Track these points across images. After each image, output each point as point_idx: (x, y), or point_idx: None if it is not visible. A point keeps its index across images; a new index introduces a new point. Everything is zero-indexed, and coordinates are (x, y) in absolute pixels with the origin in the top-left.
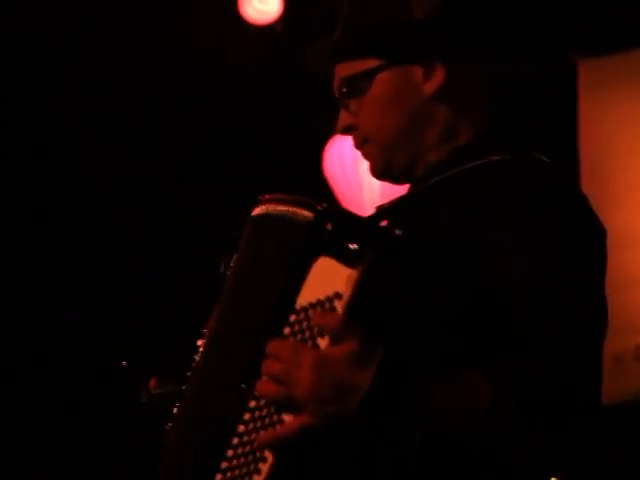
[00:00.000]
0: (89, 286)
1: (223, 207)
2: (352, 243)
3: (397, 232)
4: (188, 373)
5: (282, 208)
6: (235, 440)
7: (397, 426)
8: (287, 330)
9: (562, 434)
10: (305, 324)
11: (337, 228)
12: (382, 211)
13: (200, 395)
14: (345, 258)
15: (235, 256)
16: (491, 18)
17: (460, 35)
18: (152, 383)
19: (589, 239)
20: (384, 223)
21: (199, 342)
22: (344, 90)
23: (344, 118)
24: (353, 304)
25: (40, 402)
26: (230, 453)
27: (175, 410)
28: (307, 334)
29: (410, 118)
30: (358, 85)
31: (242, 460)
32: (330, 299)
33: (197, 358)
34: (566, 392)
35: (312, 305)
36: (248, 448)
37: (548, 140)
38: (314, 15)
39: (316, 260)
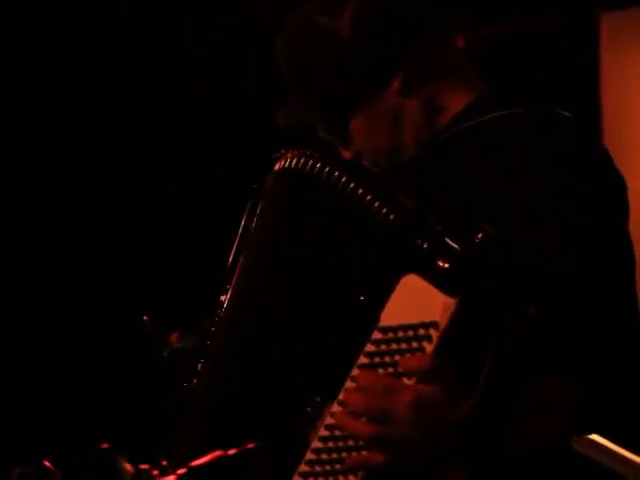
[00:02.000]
0: (108, 240)
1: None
2: (443, 261)
3: (492, 239)
4: (212, 328)
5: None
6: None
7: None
8: (371, 347)
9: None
10: (393, 346)
11: (430, 241)
12: (399, 169)
13: (228, 350)
14: (435, 279)
15: (264, 208)
16: None
17: (400, 32)
18: (173, 338)
19: (616, 193)
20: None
21: (222, 297)
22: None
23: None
24: (448, 337)
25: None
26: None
27: (200, 366)
28: (389, 360)
29: (388, 124)
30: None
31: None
32: (425, 326)
33: (221, 313)
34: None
35: (402, 327)
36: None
37: (570, 95)
38: None
39: (404, 275)
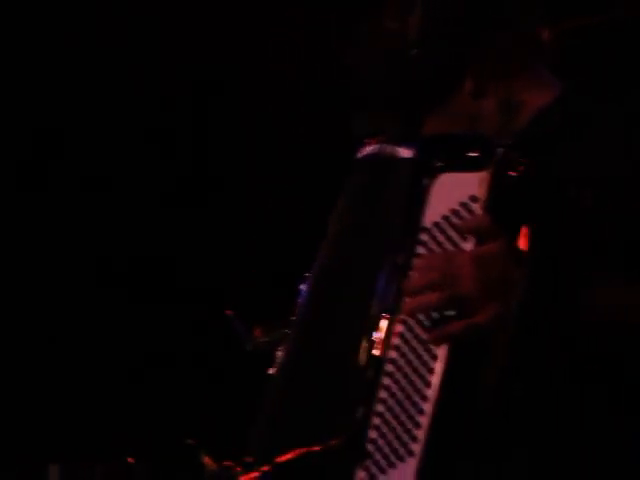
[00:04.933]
0: (191, 235)
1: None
2: (472, 152)
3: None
4: (293, 317)
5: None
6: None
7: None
8: (422, 249)
9: None
10: (442, 236)
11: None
12: (518, 142)
13: (315, 335)
14: (469, 166)
15: (341, 198)
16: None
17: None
18: (257, 332)
19: None
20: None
21: (302, 286)
22: None
23: None
24: (491, 202)
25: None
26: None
27: (280, 353)
28: (447, 245)
29: (464, 125)
30: None
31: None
32: (465, 204)
33: (303, 301)
34: None
35: (446, 217)
36: (404, 371)
37: None
38: None
39: (435, 178)
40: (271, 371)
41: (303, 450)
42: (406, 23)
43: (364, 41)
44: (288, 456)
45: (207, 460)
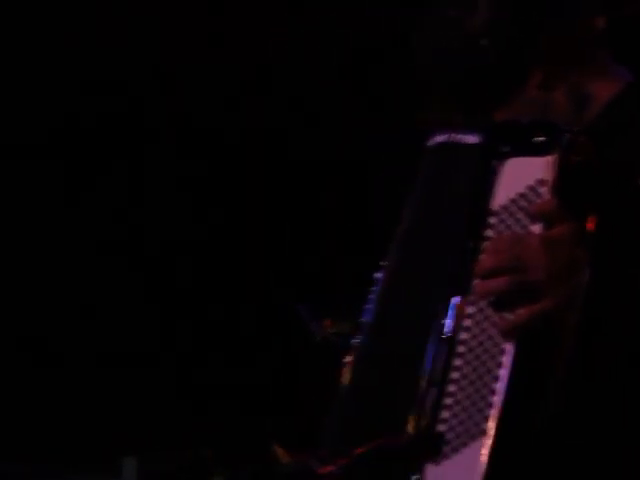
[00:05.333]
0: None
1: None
2: (539, 137)
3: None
4: (368, 305)
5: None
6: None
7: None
8: (490, 232)
9: None
10: (510, 220)
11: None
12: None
13: (390, 322)
14: (536, 151)
15: (413, 187)
16: None
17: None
18: (327, 323)
19: None
20: None
21: (378, 275)
22: None
23: None
24: (559, 186)
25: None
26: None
27: (356, 342)
28: (516, 228)
29: (534, 117)
30: None
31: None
32: (533, 188)
33: (379, 288)
34: None
35: (514, 201)
36: (476, 352)
37: None
38: None
39: (504, 162)
40: (347, 359)
41: (380, 441)
42: (474, 11)
43: (432, 29)
44: (364, 448)
45: (281, 453)
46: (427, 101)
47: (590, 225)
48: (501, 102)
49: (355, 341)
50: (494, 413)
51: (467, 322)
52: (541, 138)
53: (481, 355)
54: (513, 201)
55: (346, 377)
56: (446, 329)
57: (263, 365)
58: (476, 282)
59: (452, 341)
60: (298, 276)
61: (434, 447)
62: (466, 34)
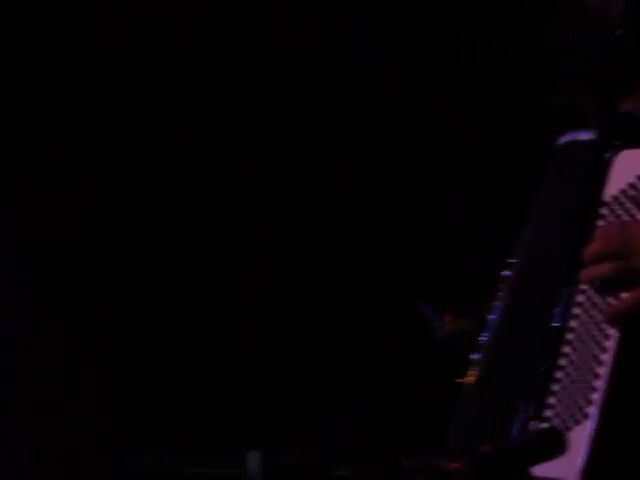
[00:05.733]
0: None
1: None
2: None
3: None
4: (494, 302)
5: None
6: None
7: None
8: (601, 223)
9: None
10: (620, 209)
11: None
12: None
13: (517, 319)
14: None
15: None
16: None
17: None
18: (447, 320)
19: None
20: None
21: (506, 272)
22: None
23: None
24: None
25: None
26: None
27: (483, 339)
28: (625, 217)
29: None
30: None
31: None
32: None
33: (505, 286)
34: None
35: (623, 191)
36: (583, 339)
37: None
38: None
39: (617, 154)
40: (475, 357)
41: (505, 439)
42: (610, 2)
43: (568, 17)
44: (490, 446)
45: (404, 462)
46: (558, 88)
47: None
48: (630, 93)
49: (482, 339)
50: (597, 398)
51: (576, 310)
52: None
53: (587, 341)
54: (623, 191)
55: (473, 375)
56: (556, 318)
57: (386, 364)
58: (583, 272)
59: (562, 330)
60: (421, 275)
61: (558, 445)
62: (602, 23)
